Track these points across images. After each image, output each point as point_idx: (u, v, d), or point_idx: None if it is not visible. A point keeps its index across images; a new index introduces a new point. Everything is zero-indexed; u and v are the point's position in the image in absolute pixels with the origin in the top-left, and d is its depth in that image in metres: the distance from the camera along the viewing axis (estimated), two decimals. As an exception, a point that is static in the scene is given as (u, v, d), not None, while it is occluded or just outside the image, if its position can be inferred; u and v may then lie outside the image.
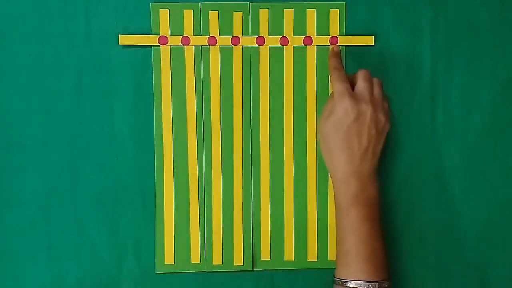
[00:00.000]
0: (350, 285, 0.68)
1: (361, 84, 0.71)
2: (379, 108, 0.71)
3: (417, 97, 0.80)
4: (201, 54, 0.78)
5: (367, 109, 0.70)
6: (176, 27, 0.78)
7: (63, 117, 0.78)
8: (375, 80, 0.73)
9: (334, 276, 0.71)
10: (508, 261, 0.82)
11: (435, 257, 0.81)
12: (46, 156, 0.78)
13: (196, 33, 0.78)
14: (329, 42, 0.79)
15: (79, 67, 0.78)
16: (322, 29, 0.79)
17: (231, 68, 0.79)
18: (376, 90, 0.72)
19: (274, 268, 0.80)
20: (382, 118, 0.71)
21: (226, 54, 0.78)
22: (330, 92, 0.78)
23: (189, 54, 0.78)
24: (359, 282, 0.67)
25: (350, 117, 0.70)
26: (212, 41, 0.78)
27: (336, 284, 0.70)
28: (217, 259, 0.79)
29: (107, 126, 0.78)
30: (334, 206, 0.79)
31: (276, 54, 0.79)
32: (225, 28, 0.78)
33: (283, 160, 0.79)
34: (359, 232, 0.69)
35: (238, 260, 0.79)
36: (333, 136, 0.70)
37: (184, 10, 0.78)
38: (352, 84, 0.72)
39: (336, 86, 0.71)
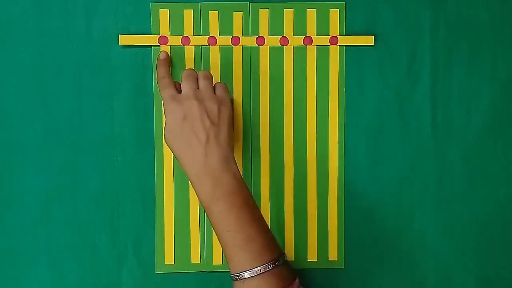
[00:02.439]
0: (245, 275, 0.66)
1: (183, 84, 0.71)
2: (206, 99, 0.70)
3: (417, 97, 0.80)
4: (201, 54, 0.78)
5: (192, 104, 0.69)
6: (176, 27, 0.78)
7: (63, 117, 0.78)
8: (200, 73, 0.73)
9: (230, 275, 0.69)
10: (508, 261, 0.82)
11: (435, 257, 0.81)
12: (46, 156, 0.78)
13: (196, 33, 0.78)
14: (329, 42, 0.79)
15: (79, 67, 0.78)
16: (322, 29, 0.79)
17: (231, 68, 0.79)
18: (202, 83, 0.72)
19: (274, 268, 0.80)
20: (213, 106, 0.70)
21: (226, 54, 0.78)
22: (332, 98, 0.79)
23: (189, 54, 0.78)
24: (250, 271, 0.66)
25: (178, 118, 0.69)
26: (212, 41, 0.78)
27: (234, 281, 0.68)
28: (217, 259, 0.79)
29: (107, 126, 0.78)
30: (334, 206, 0.80)
31: (276, 54, 0.79)
32: (225, 28, 0.78)
33: (283, 160, 0.79)
34: (227, 226, 0.67)
35: (238, 260, 0.79)
36: (173, 141, 0.70)
37: (184, 10, 0.78)
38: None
39: (162, 94, 0.71)
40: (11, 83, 0.77)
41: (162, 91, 0.71)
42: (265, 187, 0.79)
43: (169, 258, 0.79)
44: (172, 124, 0.69)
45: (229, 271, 0.78)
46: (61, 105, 0.78)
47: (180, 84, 0.72)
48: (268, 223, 0.79)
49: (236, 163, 0.70)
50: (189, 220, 0.79)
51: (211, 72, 0.74)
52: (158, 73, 0.74)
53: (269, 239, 0.69)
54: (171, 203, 0.79)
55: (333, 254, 0.80)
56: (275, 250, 0.68)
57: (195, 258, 0.79)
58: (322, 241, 0.80)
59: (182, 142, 0.69)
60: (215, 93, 0.72)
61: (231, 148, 0.71)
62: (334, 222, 0.80)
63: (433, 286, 0.81)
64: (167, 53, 0.76)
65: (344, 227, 0.80)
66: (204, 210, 0.69)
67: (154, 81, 0.78)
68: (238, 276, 0.67)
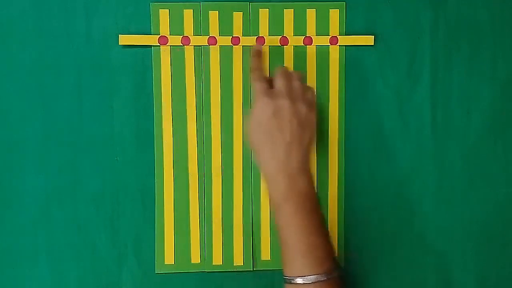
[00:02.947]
0: (298, 281, 0.66)
1: (277, 80, 0.71)
2: (298, 100, 0.70)
3: (417, 97, 0.80)
4: (201, 54, 0.78)
5: (284, 103, 0.69)
6: (176, 27, 0.78)
7: (63, 117, 0.78)
8: (294, 73, 0.73)
9: (283, 275, 0.69)
10: (508, 261, 0.82)
11: (435, 257, 0.81)
12: (46, 156, 0.78)
13: (196, 33, 0.78)
14: (329, 42, 0.79)
15: (79, 67, 0.78)
16: (322, 29, 0.79)
17: (231, 68, 0.79)
18: (295, 84, 0.71)
19: (274, 268, 0.80)
20: (302, 108, 0.70)
21: (226, 54, 0.78)
22: (332, 98, 0.79)
23: (189, 54, 0.78)
24: (306, 278, 0.66)
25: (268, 113, 0.69)
26: (212, 41, 0.78)
27: (286, 283, 0.68)
28: (217, 259, 0.79)
29: (107, 126, 0.78)
30: (334, 206, 0.80)
31: (276, 54, 0.79)
32: (225, 28, 0.78)
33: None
34: (294, 228, 0.67)
35: (238, 260, 0.79)
36: (256, 135, 0.70)
37: (184, 10, 0.78)
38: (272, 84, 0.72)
39: (254, 85, 0.71)
40: (11, 83, 0.77)
41: (255, 83, 0.71)
42: (265, 187, 0.79)
43: (169, 258, 0.79)
44: (260, 118, 0.69)
45: (229, 271, 0.79)
46: (61, 105, 0.78)
47: (271, 79, 0.72)
48: (268, 223, 0.79)
49: (309, 168, 0.70)
50: (189, 220, 0.79)
51: (303, 73, 0.74)
52: (252, 63, 0.75)
53: (330, 249, 0.69)
54: (171, 203, 0.79)
55: (333, 254, 0.80)
56: (334, 261, 0.68)
57: (195, 258, 0.79)
58: (322, 241, 0.80)
59: (266, 137, 0.69)
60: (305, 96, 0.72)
61: (310, 152, 0.71)
62: (334, 222, 0.80)
63: (433, 286, 0.81)
64: (261, 47, 0.77)
65: (344, 227, 0.80)
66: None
67: (154, 81, 0.78)
68: (292, 280, 0.67)
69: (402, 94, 0.80)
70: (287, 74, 0.72)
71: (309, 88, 0.73)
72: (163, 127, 0.78)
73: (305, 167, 0.69)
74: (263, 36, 0.78)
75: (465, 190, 0.81)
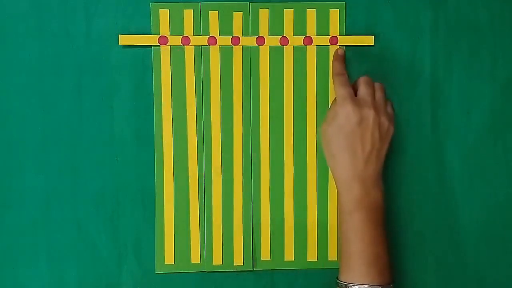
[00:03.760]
0: None
1: (363, 89, 0.72)
2: (381, 112, 0.71)
3: (417, 97, 0.80)
4: (201, 54, 0.78)
5: (370, 113, 0.70)
6: (176, 27, 0.78)
7: (63, 117, 0.78)
8: (377, 84, 0.74)
9: (337, 279, 0.71)
10: (508, 261, 0.82)
11: (435, 257, 0.81)
12: (46, 156, 0.78)
13: (196, 33, 0.78)
14: (329, 42, 0.79)
15: (79, 67, 0.78)
16: (322, 29, 0.79)
17: (231, 68, 0.79)
18: (379, 95, 0.73)
19: (274, 268, 0.80)
20: (385, 121, 0.71)
21: (226, 54, 0.78)
22: (333, 98, 0.79)
23: (189, 54, 0.78)
24: (363, 286, 0.68)
25: (353, 122, 0.70)
26: (212, 41, 0.78)
27: (339, 287, 0.70)
28: (217, 259, 0.79)
29: (107, 126, 0.78)
30: (334, 206, 0.80)
31: (276, 54, 0.79)
32: (225, 28, 0.78)
33: (283, 160, 0.79)
34: (362, 236, 0.69)
35: (238, 260, 0.79)
36: (336, 141, 0.70)
37: (184, 10, 0.78)
38: (354, 90, 0.73)
39: (339, 91, 0.72)
40: (11, 83, 0.77)
41: (340, 88, 0.72)
42: (265, 187, 0.79)
43: (169, 258, 0.79)
44: (345, 124, 0.70)
45: (229, 271, 0.79)
46: (61, 105, 0.78)
47: (354, 85, 0.73)
48: (268, 223, 0.79)
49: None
50: (189, 220, 0.79)
51: (384, 85, 0.74)
52: (335, 68, 0.75)
53: (389, 263, 0.70)
54: (171, 203, 0.79)
55: (333, 254, 0.80)
56: (391, 275, 0.70)
57: (195, 258, 0.79)
58: (322, 241, 0.80)
59: (347, 144, 0.70)
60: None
61: (383, 165, 0.72)
62: (334, 222, 0.80)
63: (434, 286, 0.81)
64: (344, 50, 0.77)
65: (344, 227, 0.80)
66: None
67: (155, 81, 0.78)
68: (348, 285, 0.68)
69: (402, 94, 0.80)
70: (371, 84, 0.73)
71: (390, 102, 0.74)
72: (163, 127, 0.78)
73: (379, 179, 0.71)
74: (263, 36, 0.78)
75: (465, 190, 0.81)
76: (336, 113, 0.71)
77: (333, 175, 0.73)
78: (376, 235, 0.69)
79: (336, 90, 0.72)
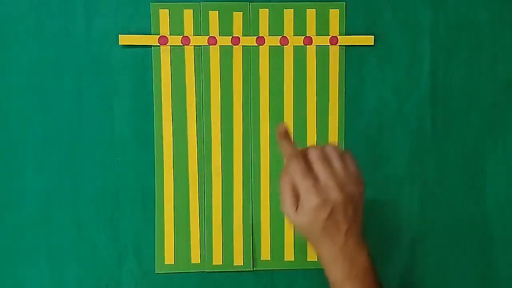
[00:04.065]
0: None
1: (318, 168, 0.65)
2: (347, 183, 0.65)
3: (417, 97, 0.80)
4: (201, 54, 0.78)
5: (337, 199, 0.64)
6: (176, 27, 0.78)
7: (63, 117, 0.78)
8: (329, 151, 0.66)
9: None
10: (508, 261, 0.82)
11: (435, 257, 0.81)
12: (46, 156, 0.78)
13: (196, 33, 0.78)
14: (329, 42, 0.79)
15: (79, 67, 0.78)
16: (322, 29, 0.79)
17: (231, 68, 0.79)
18: (337, 165, 0.66)
19: (274, 268, 0.80)
20: (354, 190, 0.65)
21: (226, 54, 0.78)
22: (333, 99, 0.79)
23: (189, 54, 0.78)
24: None
25: (324, 215, 0.64)
26: (212, 41, 0.78)
27: None
28: (217, 259, 0.79)
29: (107, 126, 0.78)
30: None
31: (276, 54, 0.79)
32: (225, 28, 0.78)
33: (283, 160, 0.79)
34: None
35: (238, 260, 0.79)
36: (310, 230, 0.66)
37: (184, 10, 0.78)
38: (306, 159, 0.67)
39: (299, 182, 0.65)
40: (11, 83, 0.77)
41: (300, 179, 0.65)
42: (265, 187, 0.79)
43: (169, 258, 0.79)
44: (315, 219, 0.64)
45: (229, 271, 0.79)
46: (61, 105, 0.78)
47: (299, 149, 0.67)
48: (268, 223, 0.79)
49: (364, 238, 0.67)
50: (189, 220, 0.79)
51: (335, 144, 0.69)
52: (285, 149, 0.67)
53: None
54: (171, 203, 0.79)
55: (333, 254, 0.80)
56: None
57: (195, 258, 0.79)
58: (322, 241, 0.80)
59: (323, 234, 0.65)
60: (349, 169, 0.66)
61: (362, 221, 0.67)
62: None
63: (433, 286, 0.81)
64: (286, 125, 0.68)
65: (344, 227, 0.80)
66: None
67: (155, 81, 0.78)
68: None
69: (402, 94, 0.80)
70: (324, 156, 0.66)
71: (349, 159, 0.67)
72: (163, 127, 0.78)
73: (361, 241, 0.66)
74: (263, 36, 0.78)
75: (465, 190, 0.81)
76: (302, 205, 0.65)
77: (315, 253, 0.68)
78: None
79: (294, 177, 0.65)
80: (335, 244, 0.65)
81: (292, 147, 0.67)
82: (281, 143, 0.68)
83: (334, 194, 0.64)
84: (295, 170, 0.65)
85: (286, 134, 0.68)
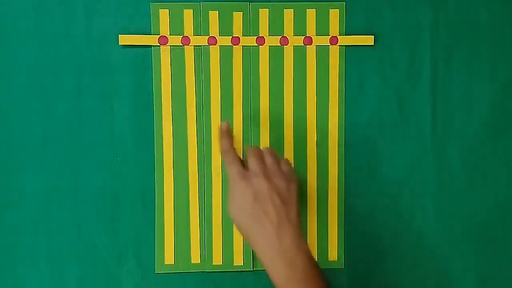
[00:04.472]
0: None
1: (250, 161, 0.70)
2: (275, 176, 0.68)
3: (417, 97, 0.80)
4: (201, 54, 0.78)
5: (262, 184, 0.67)
6: (176, 27, 0.78)
7: (63, 117, 0.78)
8: (265, 150, 0.71)
9: None
10: (508, 261, 0.82)
11: (435, 257, 0.81)
12: (46, 156, 0.78)
13: (196, 33, 0.78)
14: (329, 42, 0.79)
15: (79, 67, 0.78)
16: (322, 29, 0.79)
17: (231, 68, 0.79)
18: (268, 160, 0.70)
19: (274, 268, 0.80)
20: (282, 183, 0.68)
21: (226, 54, 0.78)
22: (332, 98, 0.79)
23: (189, 54, 0.78)
24: None
25: (249, 198, 0.67)
26: (212, 41, 0.78)
27: None
28: (217, 259, 0.79)
29: (107, 126, 0.78)
30: (334, 206, 0.80)
31: (276, 54, 0.79)
32: (225, 28, 0.78)
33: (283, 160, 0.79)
34: None
35: (238, 260, 0.79)
36: (241, 222, 0.67)
37: (184, 10, 0.78)
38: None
39: (228, 169, 0.69)
40: (11, 83, 0.77)
41: (229, 166, 0.69)
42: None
43: (169, 258, 0.79)
44: (242, 204, 0.67)
45: (229, 271, 0.79)
46: (61, 105, 0.78)
47: (241, 158, 0.71)
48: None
49: (305, 239, 0.68)
50: (189, 220, 0.79)
51: (273, 148, 0.73)
52: (223, 145, 0.72)
53: None
54: (171, 203, 0.79)
55: (333, 254, 0.80)
56: None
57: (195, 258, 0.79)
58: (322, 241, 0.80)
59: (253, 222, 0.67)
60: (281, 168, 0.70)
61: (300, 224, 0.68)
62: (334, 222, 0.80)
63: (433, 286, 0.81)
64: (228, 123, 0.74)
65: (344, 227, 0.80)
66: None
67: (155, 81, 0.78)
68: None
69: (402, 94, 0.80)
70: (258, 152, 0.71)
71: (284, 161, 0.72)
72: (163, 127, 0.78)
73: (299, 243, 0.66)
74: (263, 36, 0.78)
75: (465, 190, 0.81)
76: (232, 194, 0.68)
77: (256, 255, 0.68)
78: None
79: (227, 169, 0.70)
80: (270, 244, 0.65)
81: (231, 144, 0.72)
82: (222, 140, 0.73)
83: (258, 180, 0.67)
84: (226, 161, 0.71)
85: (228, 132, 0.74)
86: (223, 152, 0.72)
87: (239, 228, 0.68)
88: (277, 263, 0.65)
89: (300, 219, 0.68)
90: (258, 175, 0.68)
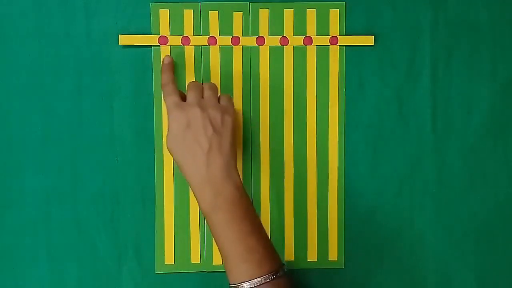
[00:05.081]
0: (245, 286, 0.66)
1: (189, 93, 0.71)
2: (210, 107, 0.70)
3: (417, 97, 0.80)
4: (201, 54, 0.78)
5: (196, 112, 0.69)
6: (176, 27, 0.78)
7: (63, 117, 0.78)
8: (205, 85, 0.73)
9: (229, 284, 0.68)
10: (508, 261, 0.82)
11: (435, 257, 0.81)
12: (46, 156, 0.78)
13: (196, 33, 0.78)
14: (329, 42, 0.79)
15: (79, 67, 0.78)
16: (322, 29, 0.79)
17: (231, 68, 0.79)
18: (206, 93, 0.72)
19: (274, 268, 0.80)
20: (216, 115, 0.69)
21: (226, 54, 0.78)
22: (332, 99, 0.79)
23: (189, 54, 0.78)
24: (251, 281, 0.66)
25: (182, 126, 0.69)
26: (212, 41, 0.78)
27: None
28: (217, 259, 0.79)
29: (107, 126, 0.78)
30: (334, 206, 0.80)
31: (276, 54, 0.79)
32: (225, 28, 0.78)
33: (283, 160, 0.79)
34: (227, 235, 0.67)
35: (238, 260, 0.79)
36: (175, 149, 0.69)
37: (184, 10, 0.78)
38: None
39: (165, 100, 0.71)
40: (11, 83, 0.77)
41: (166, 98, 0.71)
42: (265, 187, 0.79)
43: (169, 258, 0.79)
44: (175, 131, 0.69)
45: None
46: (61, 105, 0.78)
47: (185, 94, 0.72)
48: (269, 224, 0.79)
49: (238, 172, 0.70)
50: (189, 220, 0.79)
51: (215, 84, 0.74)
52: (163, 79, 0.74)
53: (269, 250, 0.69)
54: (171, 203, 0.79)
55: (333, 254, 0.80)
56: (276, 261, 0.68)
57: (195, 258, 0.79)
58: (322, 241, 0.80)
59: (185, 149, 0.69)
60: (219, 103, 0.72)
61: (234, 156, 0.70)
62: (334, 222, 0.80)
63: (433, 286, 0.81)
64: (171, 58, 0.76)
65: (344, 227, 0.80)
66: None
67: (155, 81, 0.78)
68: (238, 286, 0.66)
69: (402, 94, 0.80)
70: (197, 87, 0.72)
71: (224, 95, 0.73)
72: (163, 127, 0.78)
73: (229, 174, 0.69)
74: (263, 36, 0.78)
75: (465, 190, 0.81)
76: (168, 124, 0.70)
77: (187, 182, 0.70)
78: (242, 230, 0.67)
79: (164, 100, 0.72)
80: (199, 170, 0.68)
81: (171, 78, 0.74)
82: (163, 74, 0.74)
83: (192, 109, 0.69)
84: (164, 93, 0.72)
85: (170, 66, 0.75)
86: (162, 85, 0.73)
87: (173, 157, 0.70)
88: (204, 189, 0.68)
89: (234, 151, 0.70)
90: (193, 105, 0.70)
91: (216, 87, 0.73)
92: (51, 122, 0.78)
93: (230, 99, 0.74)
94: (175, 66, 0.78)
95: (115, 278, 0.79)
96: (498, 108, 0.81)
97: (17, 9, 0.77)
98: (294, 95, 0.79)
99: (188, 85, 0.73)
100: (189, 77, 0.78)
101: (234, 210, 0.68)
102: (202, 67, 0.78)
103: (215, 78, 0.78)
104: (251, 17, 0.78)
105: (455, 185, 0.81)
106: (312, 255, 0.80)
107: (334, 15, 0.79)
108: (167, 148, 0.70)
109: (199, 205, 0.69)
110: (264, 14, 0.78)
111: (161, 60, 0.76)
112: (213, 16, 0.78)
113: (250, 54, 0.79)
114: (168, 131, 0.70)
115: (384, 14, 0.79)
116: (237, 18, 0.78)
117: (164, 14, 0.78)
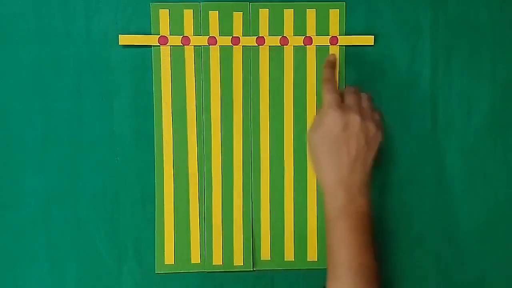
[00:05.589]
0: None
1: (348, 96, 0.71)
2: (368, 118, 0.70)
3: (417, 97, 0.80)
4: (201, 54, 0.78)
5: (355, 119, 0.69)
6: (176, 27, 0.78)
7: (63, 117, 0.78)
8: (364, 94, 0.73)
9: (324, 287, 0.69)
10: (508, 261, 0.82)
11: (435, 257, 0.81)
12: (46, 156, 0.78)
13: (196, 33, 0.78)
14: (329, 42, 0.79)
15: (79, 67, 0.78)
16: (322, 29, 0.79)
17: (231, 68, 0.79)
18: (365, 103, 0.72)
19: (274, 268, 0.80)
20: (372, 128, 0.70)
21: (226, 54, 0.78)
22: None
23: (189, 54, 0.78)
24: None
25: (338, 127, 0.69)
26: (212, 41, 0.78)
27: None
28: (217, 259, 0.79)
29: (107, 126, 0.78)
30: (334, 206, 0.80)
31: (276, 54, 0.79)
32: (225, 28, 0.78)
33: (283, 160, 0.79)
34: (347, 245, 0.67)
35: (238, 260, 0.79)
36: (321, 146, 0.69)
37: (184, 10, 0.78)
38: (342, 99, 0.72)
39: (326, 97, 0.71)
40: (11, 83, 0.77)
41: (328, 94, 0.71)
42: (265, 187, 0.79)
43: (169, 258, 0.79)
44: (331, 129, 0.69)
45: (229, 271, 0.79)
46: (61, 105, 0.78)
47: (342, 93, 0.72)
48: (268, 223, 0.79)
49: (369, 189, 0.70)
50: (189, 220, 0.79)
51: (371, 96, 0.74)
52: (325, 74, 0.74)
53: (377, 272, 0.68)
54: (171, 203, 0.79)
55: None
56: (377, 284, 0.68)
57: (195, 258, 0.79)
58: (322, 241, 0.80)
59: (332, 149, 0.69)
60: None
61: (371, 173, 0.71)
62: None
63: (433, 286, 0.81)
64: (335, 57, 0.78)
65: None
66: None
67: (155, 81, 0.78)
68: None
69: (402, 94, 0.80)
70: (358, 93, 0.72)
71: (377, 110, 0.73)
72: (163, 127, 0.78)
73: (365, 187, 0.70)
74: (263, 36, 0.78)
75: (465, 190, 0.81)
76: (322, 119, 0.70)
77: (318, 181, 0.71)
78: (362, 244, 0.68)
79: (323, 96, 0.72)
80: (340, 173, 0.68)
81: (333, 75, 0.74)
82: (326, 68, 0.75)
83: (353, 115, 0.69)
84: (325, 89, 0.72)
85: (334, 64, 0.77)
86: (324, 80, 0.73)
87: (313, 152, 0.71)
88: (338, 192, 0.68)
89: (372, 169, 0.71)
90: (354, 110, 0.70)
91: (372, 99, 0.73)
92: (51, 122, 0.78)
93: (382, 115, 0.74)
94: (175, 66, 0.78)
95: (115, 278, 0.79)
96: (498, 108, 0.81)
97: (17, 9, 0.77)
98: (294, 95, 0.79)
99: (347, 88, 0.73)
100: (189, 77, 0.78)
101: (362, 221, 0.68)
102: (202, 67, 0.78)
103: (215, 78, 0.78)
104: (251, 17, 0.78)
105: (455, 185, 0.81)
106: (312, 255, 0.80)
107: (334, 15, 0.79)
108: (310, 141, 0.70)
109: (326, 208, 0.69)
110: (264, 14, 0.78)
111: (327, 56, 0.78)
112: (213, 16, 0.78)
113: (250, 54, 0.79)
114: (319, 126, 0.70)
115: (384, 14, 0.79)
116: (237, 18, 0.78)
117: (164, 14, 0.78)
